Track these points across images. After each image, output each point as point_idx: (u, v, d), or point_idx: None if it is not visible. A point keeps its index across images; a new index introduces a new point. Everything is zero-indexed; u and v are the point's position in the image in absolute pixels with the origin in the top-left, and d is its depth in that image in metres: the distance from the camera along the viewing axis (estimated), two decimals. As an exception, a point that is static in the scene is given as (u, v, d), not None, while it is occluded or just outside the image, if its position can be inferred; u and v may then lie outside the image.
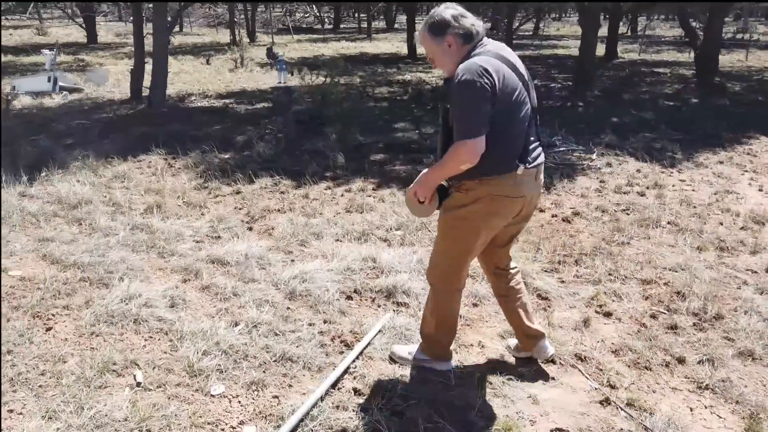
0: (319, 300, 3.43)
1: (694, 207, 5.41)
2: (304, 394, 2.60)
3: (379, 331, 3.11)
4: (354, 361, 2.82)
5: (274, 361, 2.82)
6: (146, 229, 4.53)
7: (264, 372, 2.73)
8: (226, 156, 6.78)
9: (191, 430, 2.35)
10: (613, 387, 2.75)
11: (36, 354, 2.82)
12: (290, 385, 2.66)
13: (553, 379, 2.81)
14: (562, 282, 3.84)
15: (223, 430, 2.37)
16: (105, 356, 2.78)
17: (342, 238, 4.47)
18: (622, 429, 2.43)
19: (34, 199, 5.12)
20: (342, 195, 5.59)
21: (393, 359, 2.87)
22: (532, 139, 2.48)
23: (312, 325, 3.18)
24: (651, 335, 3.18)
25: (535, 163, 2.48)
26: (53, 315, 3.20)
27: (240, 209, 5.14)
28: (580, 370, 2.87)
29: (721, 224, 4.98)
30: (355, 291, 3.59)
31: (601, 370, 2.88)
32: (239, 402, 2.54)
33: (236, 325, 3.13)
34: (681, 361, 2.96)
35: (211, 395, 2.57)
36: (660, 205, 5.42)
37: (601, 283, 3.82)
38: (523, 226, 2.74)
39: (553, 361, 2.93)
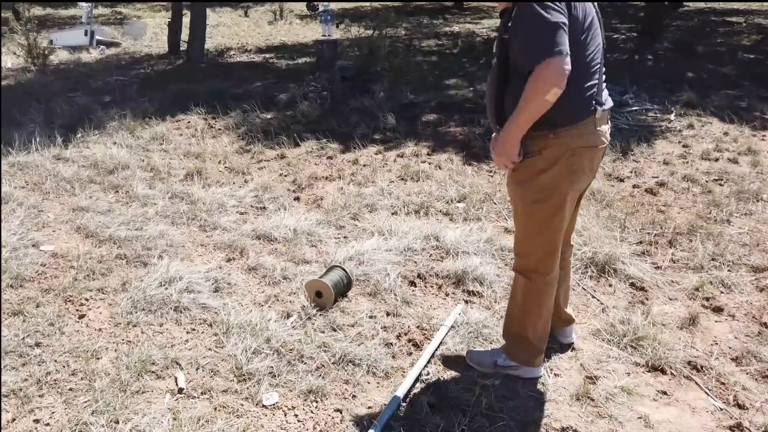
0: (379, 287, 3.01)
1: (798, 177, 4.73)
2: (370, 408, 2.21)
3: (451, 327, 2.68)
4: (425, 366, 2.41)
5: (334, 363, 2.43)
6: (186, 198, 4.16)
7: (323, 377, 2.34)
8: (269, 116, 6.35)
9: (241, 453, 1.99)
10: (741, 407, 2.26)
11: (67, 348, 2.50)
12: (354, 396, 2.26)
13: (665, 394, 2.34)
14: (657, 268, 3.32)
15: (278, 453, 2.00)
16: (143, 353, 2.44)
17: (398, 210, 4.02)
18: (766, 469, 1.96)
19: (69, 163, 4.81)
20: (394, 160, 5.10)
21: (471, 365, 2.44)
22: (604, 77, 2.14)
23: (373, 318, 2.77)
24: (776, 338, 2.66)
25: (609, 105, 2.13)
26: (86, 299, 2.88)
27: (285, 176, 4.73)
28: (697, 383, 2.39)
29: (834, 198, 4.32)
30: (418, 276, 3.16)
31: (723, 383, 2.39)
32: (296, 416, 2.16)
33: (288, 316, 2.74)
34: (821, 374, 2.44)
35: (264, 406, 2.20)
36: (757, 175, 4.76)
37: (704, 270, 3.28)
38: (590, 183, 2.33)
39: (662, 371, 2.45)
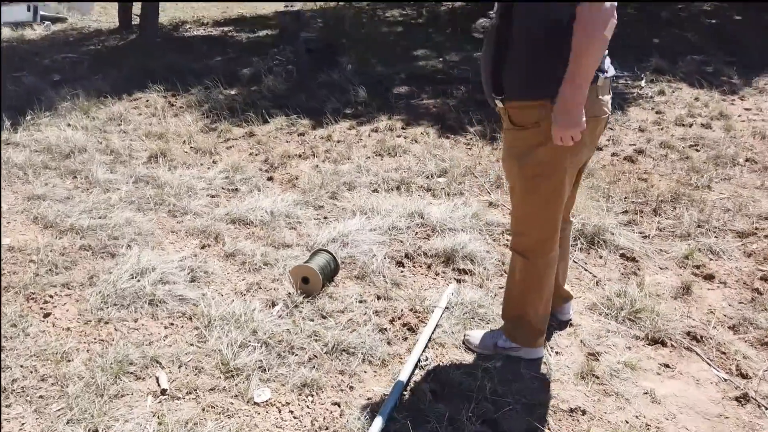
0: (366, 269, 2.87)
1: (770, 140, 4.78)
2: (370, 399, 2.08)
3: (446, 308, 2.58)
4: (423, 351, 2.30)
5: (327, 353, 2.29)
6: (152, 181, 3.92)
7: (316, 369, 2.21)
8: (233, 92, 6.07)
9: (236, 457, 1.84)
10: (745, 377, 2.23)
11: (33, 351, 2.29)
12: (351, 387, 2.14)
13: (667, 367, 2.29)
14: (645, 237, 3.28)
15: (276, 454, 1.87)
16: (119, 352, 2.25)
17: (378, 188, 3.87)
18: (777, 439, 1.93)
19: (20, 148, 4.47)
20: (369, 135, 4.93)
21: (469, 348, 2.34)
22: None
23: (363, 303, 2.63)
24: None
25: (611, 72, 1.97)
26: (51, 296, 2.65)
27: (256, 155, 4.51)
28: (698, 354, 2.35)
29: (806, 160, 4.36)
30: (406, 256, 3.03)
31: (724, 353, 2.36)
32: (291, 412, 2.02)
33: (274, 305, 2.58)
34: (817, 338, 2.43)
35: (256, 403, 2.05)
36: (731, 139, 4.79)
37: (692, 238, 3.25)
38: (592, 155, 2.22)
39: (663, 343, 2.41)
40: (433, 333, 2.41)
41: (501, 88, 1.96)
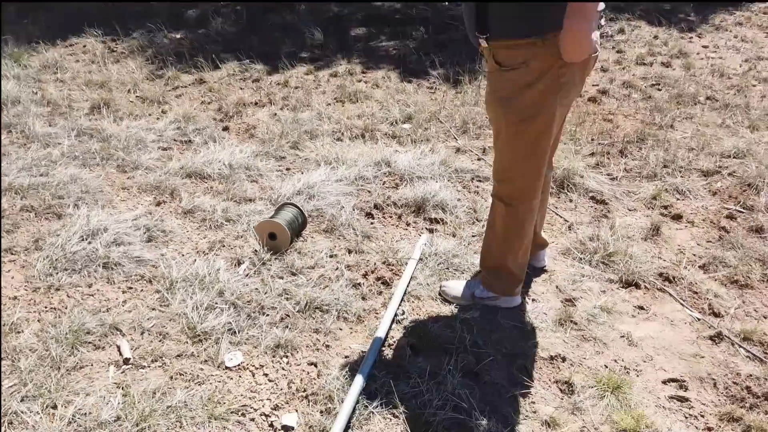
0: (335, 222, 2.75)
1: (729, 78, 4.80)
2: (347, 357, 2.01)
3: (419, 259, 2.50)
4: (399, 305, 2.22)
5: (299, 311, 2.19)
6: (96, 134, 3.64)
7: (289, 329, 2.11)
8: (178, 36, 5.67)
9: (211, 427, 1.75)
10: (717, 315, 2.26)
11: (-23, 324, 2.11)
12: (327, 346, 2.06)
13: (642, 309, 2.30)
14: (613, 179, 3.26)
15: (253, 419, 1.78)
16: (73, 321, 2.10)
17: (341, 136, 3.70)
18: (751, 375, 1.96)
19: (-56, 102, 4.07)
20: (328, 80, 4.71)
21: (446, 299, 2.29)
22: None
23: (334, 257, 2.53)
24: (736, 242, 2.68)
25: (602, 6, 1.80)
26: (-7, 264, 2.44)
27: (208, 104, 4.24)
28: (671, 295, 2.36)
29: (764, 97, 4.41)
30: (375, 207, 2.92)
31: (696, 293, 2.38)
32: (266, 375, 1.93)
33: (239, 264, 2.45)
34: (782, 274, 2.48)
35: (227, 368, 1.95)
36: (691, 77, 4.79)
37: (658, 178, 3.25)
38: (578, 95, 2.12)
39: (636, 285, 2.41)
40: (408, 286, 2.33)
41: (486, 26, 1.81)
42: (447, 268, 2.46)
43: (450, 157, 3.39)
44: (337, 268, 2.44)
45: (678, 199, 3.09)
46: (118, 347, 2.02)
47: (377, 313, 2.21)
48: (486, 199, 3.01)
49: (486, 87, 1.94)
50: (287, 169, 3.31)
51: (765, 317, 2.25)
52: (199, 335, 2.06)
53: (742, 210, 2.96)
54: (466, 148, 3.57)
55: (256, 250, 2.49)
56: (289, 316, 2.17)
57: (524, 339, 2.10)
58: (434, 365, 1.95)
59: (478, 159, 3.44)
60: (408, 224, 2.81)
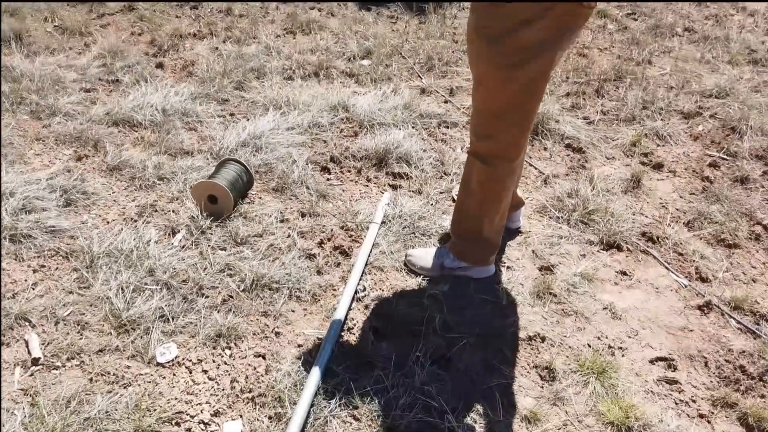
0: (286, 179, 2.42)
1: (707, 6, 4.52)
2: (301, 345, 1.75)
3: (382, 222, 2.22)
4: (360, 280, 1.96)
5: (245, 291, 1.90)
6: (5, 73, 3.13)
7: (233, 313, 1.83)
8: (104, -46, 4.95)
9: (139, 440, 1.48)
10: (704, 280, 2.08)
11: None
12: (278, 333, 1.79)
13: (624, 274, 2.10)
14: (590, 123, 3.00)
15: (189, 429, 1.52)
16: (-28, 311, 1.76)
17: (293, 74, 3.30)
18: (744, 351, 1.80)
19: None
20: (277, 8, 4.20)
21: (412, 270, 2.03)
22: None
23: (285, 222, 2.22)
24: (721, 194, 2.49)
25: None
26: None
27: (139, 35, 3.72)
28: (656, 257, 2.17)
29: (743, 28, 4.16)
30: (332, 160, 2.59)
31: (681, 254, 2.19)
32: (205, 372, 1.67)
33: (174, 233, 2.12)
34: (770, 230, 2.32)
35: (159, 364, 1.67)
36: (667, 5, 4.48)
37: (637, 121, 3.01)
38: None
39: (618, 247, 2.20)
40: (369, 255, 2.06)
41: None
42: (413, 233, 2.19)
43: (414, 100, 3.05)
44: (288, 236, 2.15)
45: (658, 145, 2.86)
46: (26, 343, 1.71)
47: (335, 290, 1.95)
48: (454, 149, 2.72)
49: (469, 20, 1.60)
50: (231, 114, 2.92)
51: (754, 281, 2.09)
52: (125, 324, 1.76)
53: (725, 157, 2.77)
54: (432, 88, 3.23)
55: (193, 217, 2.16)
56: (232, 297, 1.88)
57: (500, 316, 1.88)
58: (400, 353, 1.72)
59: (445, 102, 3.11)
60: (369, 180, 2.50)
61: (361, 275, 1.97)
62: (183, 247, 2.05)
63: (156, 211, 2.23)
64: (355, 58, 3.50)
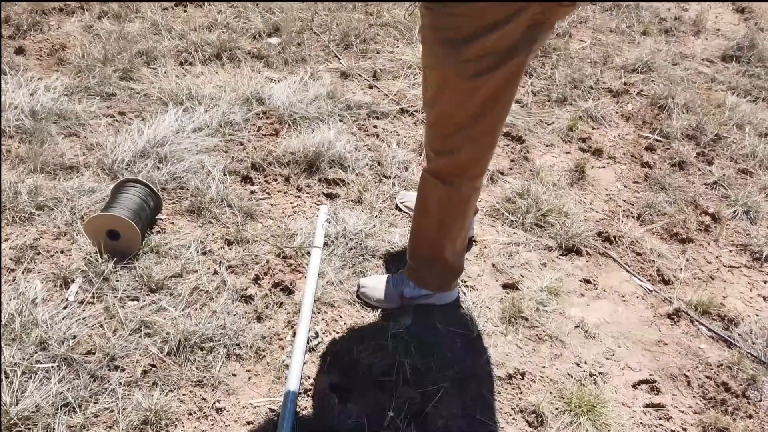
0: (201, 196, 2.03)
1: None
2: (250, 423, 1.45)
3: (324, 244, 1.92)
4: (310, 325, 1.67)
5: (170, 355, 1.55)
6: None
7: (159, 388, 1.47)
8: None
9: None
10: (666, 282, 2.01)
11: None
12: (219, 409, 1.47)
13: (588, 282, 1.98)
14: (523, 107, 2.84)
15: None
16: None
17: (190, 57, 2.82)
18: (722, 364, 1.74)
19: None
20: (160, -27, 3.60)
21: (367, 303, 1.77)
22: None
23: (208, 254, 1.86)
24: (663, 181, 2.44)
25: None
26: None
27: (-12, 10, 3.03)
28: (615, 260, 2.06)
29: (650, -4, 4.17)
30: (253, 167, 2.23)
31: (640, 254, 2.11)
32: (133, 476, 1.32)
33: (66, 284, 1.69)
34: (716, 218, 2.29)
35: (70, 474, 1.30)
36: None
37: (569, 102, 2.89)
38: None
39: (577, 252, 2.07)
40: (315, 289, 1.77)
41: None
42: (362, 255, 1.92)
43: (337, 87, 2.72)
44: (215, 273, 1.79)
45: (594, 128, 2.76)
46: None
47: (281, 339, 1.64)
48: (389, 145, 2.44)
49: (422, 15, 1.31)
50: (120, 113, 2.43)
51: (712, 278, 2.05)
52: (16, 424, 1.36)
53: (659, 139, 2.72)
54: (353, 71, 2.90)
55: (90, 258, 1.74)
56: (155, 366, 1.52)
57: (473, 351, 1.68)
58: (372, 416, 1.47)
59: (370, 87, 2.80)
60: (300, 189, 2.18)
61: (311, 317, 1.68)
62: (82, 302, 1.64)
63: (39, 253, 1.78)
64: (261, 36, 3.07)
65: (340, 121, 2.51)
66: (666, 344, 1.80)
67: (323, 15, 3.34)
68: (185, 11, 3.24)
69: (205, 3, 3.30)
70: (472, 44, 1.24)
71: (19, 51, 2.74)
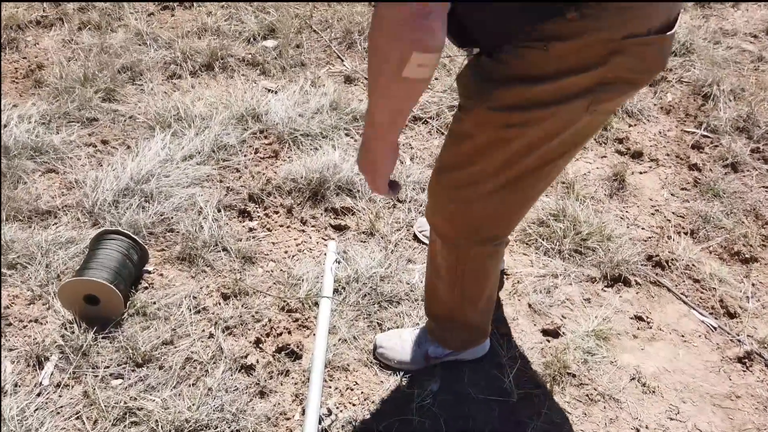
0: (193, 240, 1.79)
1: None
2: None
3: (335, 291, 1.68)
4: (321, 399, 1.43)
5: (160, 449, 1.32)
6: None
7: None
8: None
9: None
10: (732, 315, 1.74)
11: None
12: None
13: (641, 320, 1.71)
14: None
15: None
16: None
17: (179, 70, 2.56)
18: (806, 421, 1.48)
19: None
20: (144, -27, 3.32)
21: (387, 365, 1.53)
22: None
23: (202, 312, 1.62)
24: (715, 187, 2.14)
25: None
26: None
27: (-41, 29, 2.78)
28: (670, 290, 1.79)
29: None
30: (251, 199, 1.98)
31: (698, 281, 1.83)
32: None
33: (40, 363, 1.47)
34: (781, 231, 2.00)
35: None
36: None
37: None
38: None
39: (625, 282, 1.80)
40: (327, 351, 1.53)
41: (468, 39, 0.92)
42: (377, 303, 1.67)
43: (341, 95, 2.44)
44: (210, 336, 1.56)
45: (630, 125, 2.46)
46: None
47: (288, 420, 1.41)
48: (402, 161, 2.18)
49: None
50: (103, 142, 2.18)
51: (783, 307, 1.77)
52: None
53: (707, 134, 2.41)
54: (358, 73, 2.62)
55: (65, 331, 1.51)
56: (143, 464, 1.30)
57: (513, 420, 1.44)
58: None
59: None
60: (304, 222, 1.93)
61: (322, 390, 1.44)
62: (58, 385, 1.42)
63: (10, 324, 1.55)
64: (255, 39, 2.79)
65: (346, 135, 2.24)
66: (739, 397, 1.53)
67: (322, 10, 3.04)
68: (173, 16, 2.97)
69: (195, 4, 3.02)
70: (504, 147, 1.00)
71: (-7, 74, 2.50)
